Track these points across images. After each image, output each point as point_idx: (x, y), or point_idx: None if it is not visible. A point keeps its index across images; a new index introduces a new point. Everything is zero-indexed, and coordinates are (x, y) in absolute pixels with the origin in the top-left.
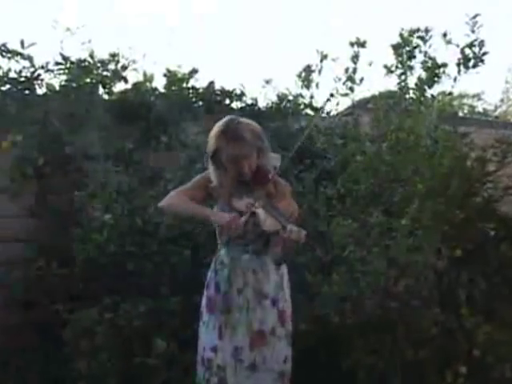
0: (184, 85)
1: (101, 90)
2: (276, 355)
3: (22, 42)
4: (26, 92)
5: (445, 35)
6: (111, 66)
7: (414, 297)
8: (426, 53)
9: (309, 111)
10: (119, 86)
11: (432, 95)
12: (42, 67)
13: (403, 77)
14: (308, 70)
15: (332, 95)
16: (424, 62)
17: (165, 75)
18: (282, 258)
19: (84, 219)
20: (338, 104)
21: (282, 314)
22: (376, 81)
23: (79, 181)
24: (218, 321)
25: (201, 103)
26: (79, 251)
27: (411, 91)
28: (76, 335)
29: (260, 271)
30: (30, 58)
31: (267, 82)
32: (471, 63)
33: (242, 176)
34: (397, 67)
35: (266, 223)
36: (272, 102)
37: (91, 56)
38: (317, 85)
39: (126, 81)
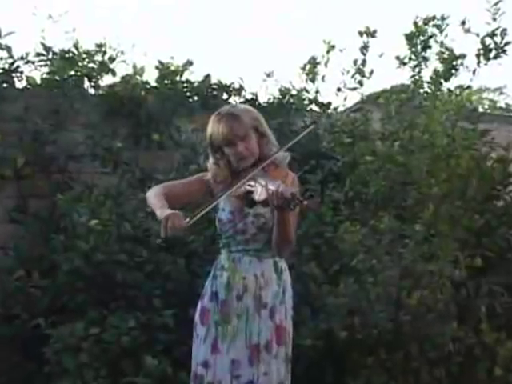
0: (178, 78)
1: (86, 84)
2: (269, 378)
3: None
4: (4, 85)
5: (463, 23)
6: (98, 58)
7: (429, 310)
8: (442, 43)
9: (314, 107)
10: (107, 80)
11: (449, 89)
12: (22, 58)
13: (417, 69)
14: (313, 61)
15: (339, 89)
16: (440, 53)
17: (157, 68)
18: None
19: (68, 225)
20: (345, 99)
21: (280, 330)
22: (387, 74)
23: (63, 183)
24: (212, 333)
25: (196, 98)
26: (63, 260)
27: (426, 85)
28: (59, 352)
29: (261, 277)
30: (8, 49)
31: (268, 75)
32: (492, 54)
33: (240, 160)
34: (410, 59)
35: (259, 195)
36: (274, 97)
37: (76, 46)
38: (323, 78)
39: (114, 74)
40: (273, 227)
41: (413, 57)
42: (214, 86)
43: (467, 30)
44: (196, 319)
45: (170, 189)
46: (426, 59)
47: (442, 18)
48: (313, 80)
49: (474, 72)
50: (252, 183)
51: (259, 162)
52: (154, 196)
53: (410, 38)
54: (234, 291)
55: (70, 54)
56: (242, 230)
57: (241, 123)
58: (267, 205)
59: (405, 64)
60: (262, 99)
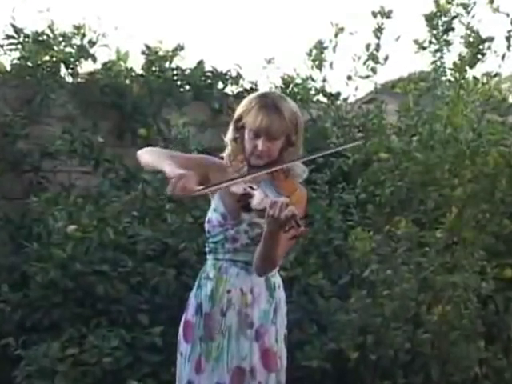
0: (167, 65)
1: (63, 71)
2: None
3: None
4: None
5: (491, 1)
6: (76, 41)
7: (452, 327)
8: (468, 24)
9: (321, 98)
10: (86, 66)
11: (474, 77)
12: None
13: (438, 54)
14: (320, 46)
15: (350, 78)
16: (465, 36)
17: (143, 53)
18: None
19: (42, 231)
20: (356, 89)
21: (268, 355)
22: (404, 60)
23: (36, 183)
24: (196, 351)
25: (188, 88)
26: (36, 271)
27: (448, 72)
28: (31, 376)
29: (248, 293)
30: None
31: (269, 61)
32: None
33: (253, 155)
34: (431, 42)
35: (257, 202)
36: (275, 87)
37: (50, 28)
38: (331, 65)
39: (94, 59)
40: None
41: (433, 40)
42: (208, 74)
43: (496, 10)
44: (179, 335)
45: (171, 156)
46: (448, 43)
47: None
48: (319, 67)
49: (503, 57)
50: (254, 186)
51: (271, 165)
52: (155, 152)
53: (430, 18)
54: (218, 305)
55: (44, 37)
56: (233, 237)
57: (281, 123)
58: (262, 216)
59: (424, 48)
60: (263, 89)
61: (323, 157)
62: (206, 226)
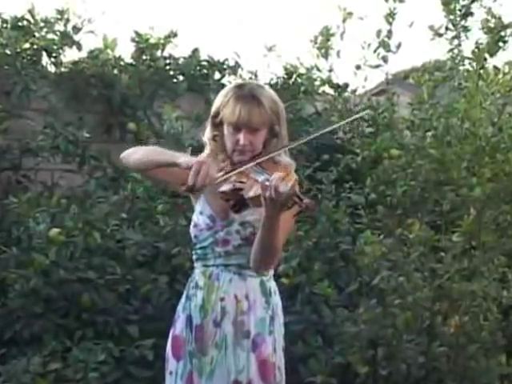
0: (158, 53)
1: (45, 60)
2: None
3: None
4: None
5: None
6: (59, 27)
7: (470, 340)
8: (488, 9)
9: (327, 89)
10: (70, 55)
11: (495, 66)
12: None
13: (456, 42)
14: (326, 33)
15: (358, 67)
16: (485, 21)
17: (132, 40)
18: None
19: (22, 235)
20: (366, 79)
21: (266, 366)
22: (418, 48)
23: (16, 182)
24: (187, 367)
25: (181, 78)
26: (16, 278)
27: (466, 61)
28: None
29: (244, 299)
30: None
31: (270, 48)
32: None
33: (235, 152)
34: (447, 29)
35: (250, 192)
36: (277, 77)
37: (31, 13)
38: (338, 53)
39: (79, 47)
40: None
41: (450, 26)
42: (204, 63)
43: None
44: (167, 353)
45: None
46: (466, 29)
47: None
48: (326, 56)
49: None
50: (243, 179)
51: (257, 157)
52: (147, 149)
53: (447, 2)
54: (210, 315)
55: (24, 23)
56: (224, 239)
57: (262, 113)
58: (259, 204)
59: (440, 35)
60: (263, 79)
61: (329, 153)
62: (193, 231)
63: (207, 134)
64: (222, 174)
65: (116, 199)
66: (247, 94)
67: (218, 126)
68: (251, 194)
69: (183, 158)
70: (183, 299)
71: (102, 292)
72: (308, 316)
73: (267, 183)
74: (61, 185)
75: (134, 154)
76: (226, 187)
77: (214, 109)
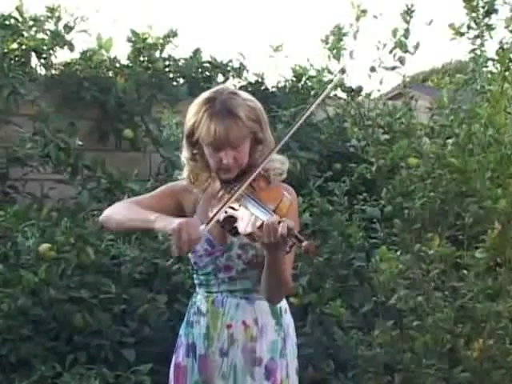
0: (157, 54)
1: (35, 61)
2: None
3: None
4: None
5: None
6: (49, 26)
7: (495, 365)
8: None
9: (339, 93)
10: (62, 56)
11: None
12: None
13: (478, 41)
14: (338, 32)
15: (373, 69)
16: (509, 20)
17: (129, 40)
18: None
19: (9, 251)
20: (381, 82)
21: None
22: (438, 48)
23: (3, 193)
24: None
25: (182, 81)
26: (1, 298)
27: (490, 62)
28: None
29: (253, 324)
30: None
31: (277, 48)
32: None
33: (220, 170)
34: (469, 27)
35: (243, 226)
36: (285, 80)
37: (19, 10)
38: (351, 54)
39: (71, 47)
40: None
41: (473, 25)
42: (206, 65)
43: None
44: (170, 380)
45: (136, 202)
46: (490, 28)
47: None
48: (338, 57)
49: None
50: (235, 205)
51: (245, 173)
52: (125, 208)
53: None
54: (216, 344)
55: (12, 21)
56: (226, 265)
57: (240, 128)
58: (255, 240)
59: (462, 34)
60: (270, 82)
61: (342, 162)
62: (192, 257)
63: (185, 154)
64: (204, 227)
65: None
66: (221, 110)
67: (195, 144)
68: (246, 229)
69: (160, 223)
70: (184, 325)
71: (95, 312)
72: (319, 338)
73: (261, 225)
74: (51, 196)
75: (113, 219)
76: (218, 216)
77: (187, 128)
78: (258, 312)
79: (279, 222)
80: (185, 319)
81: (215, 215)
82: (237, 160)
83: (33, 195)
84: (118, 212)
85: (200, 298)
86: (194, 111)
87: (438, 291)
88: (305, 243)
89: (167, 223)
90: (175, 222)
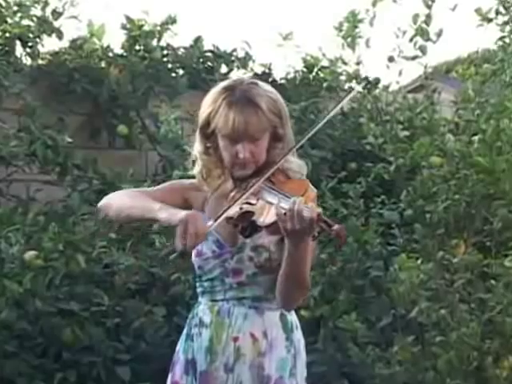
0: (154, 43)
1: (20, 50)
2: None
3: None
4: None
5: None
6: (36, 12)
7: None
8: None
9: (354, 85)
10: (49, 44)
11: None
12: None
13: (508, 28)
14: (353, 18)
15: (392, 59)
16: None
17: (123, 27)
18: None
19: None
20: (400, 73)
21: None
22: (463, 35)
23: None
24: None
25: (181, 72)
26: None
27: None
28: None
29: (262, 338)
30: None
31: (286, 37)
32: None
33: (236, 166)
34: (498, 13)
35: (263, 218)
36: (295, 71)
37: None
38: (367, 43)
39: (60, 35)
40: (279, 265)
41: (501, 9)
42: (208, 55)
43: None
44: None
45: (145, 193)
46: None
47: None
48: (353, 46)
49: None
50: (252, 200)
51: (261, 172)
52: (128, 195)
53: None
54: (220, 358)
55: None
56: (235, 269)
57: (261, 118)
58: (276, 232)
59: (490, 21)
60: (279, 74)
61: (357, 162)
62: (196, 260)
63: (197, 148)
64: (211, 223)
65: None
66: (240, 98)
67: (210, 136)
68: (266, 221)
69: (164, 214)
70: (183, 339)
71: (86, 327)
72: (332, 355)
73: (286, 211)
74: (38, 199)
75: (113, 205)
76: (232, 212)
77: (202, 118)
78: (268, 324)
79: (304, 203)
80: (184, 332)
81: (226, 210)
82: (254, 155)
83: (18, 197)
84: (120, 198)
85: (203, 308)
86: (210, 100)
87: (464, 303)
88: (335, 227)
89: (172, 214)
90: (182, 213)
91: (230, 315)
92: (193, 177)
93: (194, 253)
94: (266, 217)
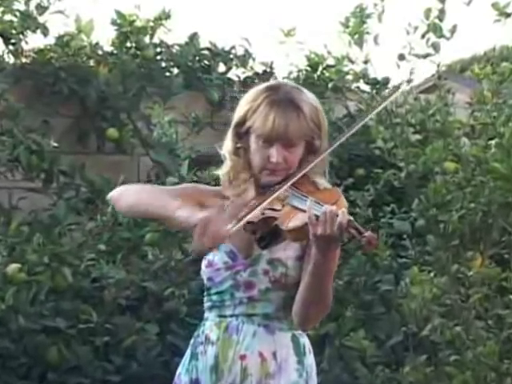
0: (147, 40)
1: (2, 48)
2: None
3: None
4: None
5: None
6: (18, 6)
7: None
8: None
9: (362, 85)
10: (34, 41)
11: None
12: None
13: None
14: (360, 13)
15: (403, 57)
16: None
17: (114, 23)
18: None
19: None
20: (412, 72)
21: None
22: (479, 31)
23: None
24: None
25: (176, 71)
26: None
27: None
28: None
29: (271, 358)
30: None
31: (288, 33)
32: None
33: (265, 171)
34: None
35: (288, 222)
36: (298, 70)
37: None
38: (375, 39)
39: (45, 32)
40: (297, 282)
41: None
42: (205, 53)
43: None
44: None
45: (162, 191)
46: None
47: None
48: (360, 43)
49: None
50: (277, 206)
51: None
52: (144, 190)
53: None
54: (226, 377)
55: None
56: (248, 282)
57: (301, 124)
58: (300, 237)
59: (508, 16)
60: (280, 73)
61: (365, 167)
62: (206, 272)
63: (227, 147)
64: (233, 224)
65: (92, 226)
66: (283, 99)
67: (242, 136)
68: (291, 224)
69: (182, 212)
70: (187, 358)
71: (73, 345)
72: (338, 376)
73: (319, 214)
74: (21, 207)
75: (125, 198)
76: (253, 216)
77: (238, 115)
78: (278, 344)
79: (336, 210)
80: (187, 353)
81: (247, 214)
82: (287, 161)
83: (0, 206)
84: (136, 192)
85: (209, 325)
86: (250, 98)
87: (480, 320)
88: (367, 234)
89: (193, 213)
90: (202, 213)
91: (238, 332)
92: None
93: (203, 263)
94: (291, 221)
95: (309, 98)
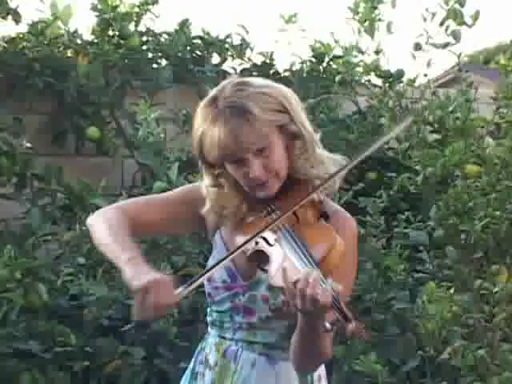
0: (132, 27)
1: None
2: None
3: None
4: None
5: None
6: None
7: None
8: None
9: (374, 78)
10: (4, 29)
11: None
12: None
13: None
14: None
15: (419, 47)
16: None
17: (94, 8)
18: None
19: None
20: (429, 64)
21: None
22: (505, 19)
23: None
24: None
25: (164, 62)
26: None
27: None
28: None
29: None
30: None
31: (290, 20)
32: None
33: (253, 187)
34: None
35: (274, 274)
36: (302, 61)
37: None
38: (388, 28)
39: (17, 18)
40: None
41: None
42: (197, 42)
43: None
44: None
45: (140, 212)
46: None
47: None
48: (371, 31)
49: None
50: (270, 238)
51: (290, 184)
52: (109, 226)
53: None
54: None
55: None
56: (246, 307)
57: (253, 126)
58: (284, 293)
59: None
60: (282, 64)
61: (377, 171)
62: (207, 287)
63: (206, 181)
64: (182, 289)
65: (70, 237)
66: (223, 109)
67: (213, 165)
68: (276, 283)
69: (128, 270)
70: (187, 377)
71: (49, 371)
72: None
73: (297, 282)
74: None
75: (95, 229)
76: (247, 245)
77: (194, 146)
78: (279, 377)
79: (321, 285)
80: (189, 367)
81: (232, 254)
82: (268, 168)
83: None
84: (103, 223)
85: (210, 344)
86: (196, 122)
87: (507, 343)
88: (351, 325)
89: (135, 275)
90: (145, 277)
91: (236, 360)
92: None
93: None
94: (276, 277)
95: (257, 87)
